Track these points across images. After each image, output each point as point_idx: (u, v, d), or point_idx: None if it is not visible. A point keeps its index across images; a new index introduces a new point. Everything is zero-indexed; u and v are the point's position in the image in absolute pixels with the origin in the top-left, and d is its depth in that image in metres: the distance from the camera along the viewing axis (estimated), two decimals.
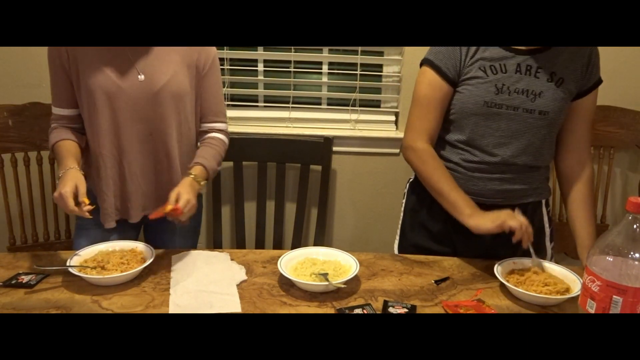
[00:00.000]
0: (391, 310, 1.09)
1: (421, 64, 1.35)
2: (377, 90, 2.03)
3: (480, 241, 1.37)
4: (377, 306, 1.11)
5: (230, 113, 2.00)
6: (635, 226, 0.91)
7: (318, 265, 1.22)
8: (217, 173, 1.49)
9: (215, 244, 1.89)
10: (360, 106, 2.01)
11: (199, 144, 1.49)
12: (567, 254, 1.89)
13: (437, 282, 1.22)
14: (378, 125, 2.03)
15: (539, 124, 1.29)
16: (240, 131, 1.92)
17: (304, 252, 1.28)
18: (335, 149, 1.94)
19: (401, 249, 1.50)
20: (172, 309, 1.07)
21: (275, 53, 1.95)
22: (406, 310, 1.09)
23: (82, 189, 1.17)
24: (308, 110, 2.02)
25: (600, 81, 1.33)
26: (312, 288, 1.15)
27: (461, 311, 1.09)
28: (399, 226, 1.53)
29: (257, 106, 2.03)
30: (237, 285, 1.17)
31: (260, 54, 1.96)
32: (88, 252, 1.24)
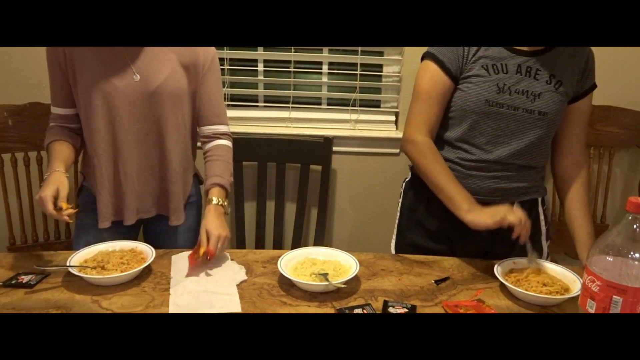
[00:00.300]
0: (391, 310, 1.09)
1: (423, 57, 1.35)
2: (377, 90, 2.03)
3: (477, 239, 1.37)
4: (377, 306, 1.11)
5: (230, 113, 2.00)
6: (635, 226, 0.91)
7: (318, 265, 1.22)
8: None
9: None
10: (360, 106, 2.01)
11: (205, 155, 1.46)
12: (567, 254, 1.89)
13: (437, 282, 1.22)
14: (378, 125, 2.03)
15: (538, 124, 1.30)
16: (240, 131, 1.92)
17: (304, 252, 1.28)
18: (335, 149, 1.94)
19: (398, 248, 1.50)
20: (172, 309, 1.07)
21: (275, 53, 1.95)
22: (406, 310, 1.09)
23: (63, 192, 1.17)
24: (308, 110, 2.02)
25: (594, 86, 1.35)
26: (312, 288, 1.15)
27: (461, 311, 1.09)
28: (396, 225, 1.53)
29: (257, 106, 2.03)
30: (237, 285, 1.17)
31: (260, 54, 1.96)
32: (88, 252, 1.24)
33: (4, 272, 1.21)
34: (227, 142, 1.47)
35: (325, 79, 2.01)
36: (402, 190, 1.53)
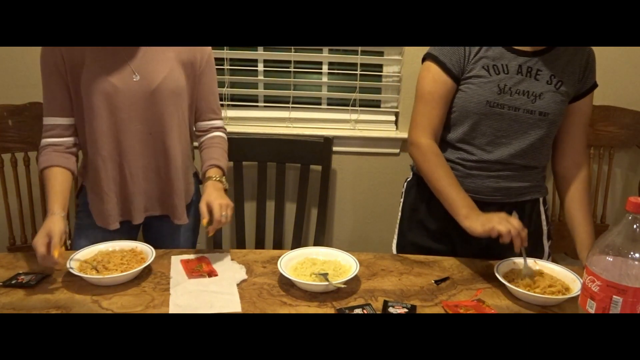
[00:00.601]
0: (391, 310, 1.09)
1: (424, 59, 1.35)
2: (377, 90, 2.03)
3: (478, 239, 1.37)
4: (377, 306, 1.11)
5: (230, 113, 2.00)
6: (635, 226, 0.91)
7: (318, 265, 1.22)
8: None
9: (215, 244, 1.89)
10: (360, 106, 2.01)
11: (201, 145, 1.49)
12: (567, 254, 1.89)
13: (437, 282, 1.22)
14: (378, 125, 2.03)
15: (539, 125, 1.30)
16: (240, 131, 1.92)
17: (304, 252, 1.28)
18: (335, 149, 1.94)
19: (399, 248, 1.50)
20: (172, 309, 1.07)
21: (275, 53, 1.95)
22: (406, 310, 1.09)
23: (56, 239, 1.14)
24: (308, 110, 2.02)
25: (595, 85, 1.35)
26: (312, 288, 1.15)
27: (461, 311, 1.09)
28: (397, 225, 1.53)
29: (257, 106, 2.03)
30: (237, 285, 1.17)
31: (260, 54, 1.96)
32: (88, 252, 1.24)
33: (4, 272, 1.21)
34: (222, 134, 1.51)
35: (325, 79, 2.01)
36: (403, 190, 1.53)
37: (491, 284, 1.21)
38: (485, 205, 1.36)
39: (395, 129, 2.03)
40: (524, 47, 1.28)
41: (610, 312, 0.92)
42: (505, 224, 1.15)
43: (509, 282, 1.18)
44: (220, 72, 1.95)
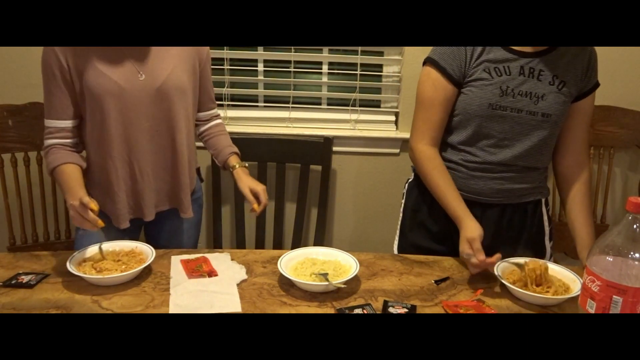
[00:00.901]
0: (391, 310, 1.09)
1: (424, 63, 1.35)
2: (377, 90, 2.03)
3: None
4: (377, 306, 1.11)
5: (230, 113, 2.00)
6: (635, 226, 0.91)
7: (318, 265, 1.22)
8: None
9: (215, 244, 1.89)
10: (360, 106, 2.01)
11: (204, 134, 1.55)
12: (567, 254, 1.89)
13: (437, 282, 1.22)
14: (378, 125, 2.03)
15: (542, 126, 1.29)
16: (240, 131, 1.92)
17: (304, 252, 1.28)
18: (335, 149, 1.94)
19: (401, 249, 1.50)
20: (172, 309, 1.07)
21: (275, 53, 1.95)
22: (406, 310, 1.09)
23: (86, 198, 1.16)
24: (308, 110, 2.02)
25: (597, 84, 1.35)
26: (312, 288, 1.15)
27: (461, 311, 1.09)
28: (398, 226, 1.53)
29: (257, 106, 2.03)
30: (237, 285, 1.17)
31: (260, 54, 1.96)
32: (88, 252, 1.24)
33: (4, 272, 1.21)
34: (221, 120, 1.60)
35: (325, 79, 2.01)
36: (404, 191, 1.53)
37: (491, 284, 1.21)
38: (487, 207, 1.37)
39: (395, 129, 2.03)
40: (525, 48, 1.28)
41: (610, 312, 0.92)
42: (464, 250, 1.22)
43: (514, 277, 1.18)
44: (220, 72, 1.95)
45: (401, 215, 1.53)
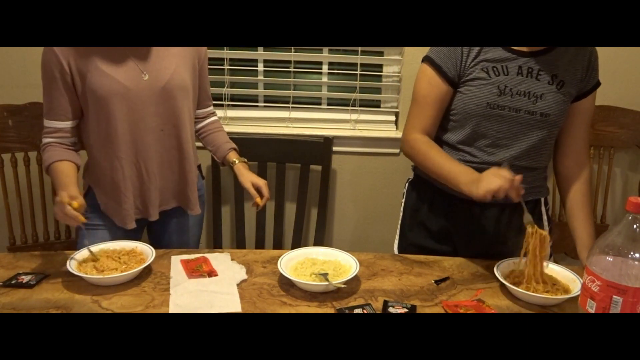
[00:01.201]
0: (391, 310, 1.09)
1: (422, 61, 1.36)
2: (377, 90, 2.03)
3: (480, 240, 1.38)
4: (377, 306, 1.11)
5: (230, 113, 2.00)
6: (635, 226, 0.91)
7: (318, 265, 1.22)
8: None
9: (215, 244, 1.90)
10: (360, 106, 2.01)
11: (201, 130, 1.57)
12: (567, 254, 1.89)
13: (437, 282, 1.22)
14: (378, 125, 2.03)
15: (540, 126, 1.29)
16: (240, 131, 1.92)
17: (304, 252, 1.28)
18: (335, 149, 1.94)
19: (401, 249, 1.50)
20: (172, 309, 1.07)
21: (275, 53, 1.95)
22: (406, 310, 1.09)
23: (82, 209, 1.18)
24: (308, 110, 2.02)
25: (598, 84, 1.34)
26: (312, 288, 1.15)
27: (461, 311, 1.09)
28: (399, 226, 1.53)
29: (257, 106, 2.03)
30: (237, 285, 1.17)
31: (260, 54, 1.96)
32: (88, 252, 1.24)
33: (4, 272, 1.21)
34: (217, 118, 1.62)
35: (325, 79, 2.01)
36: (404, 191, 1.53)
37: (491, 284, 1.21)
38: (486, 207, 1.36)
39: (395, 129, 2.03)
40: (524, 47, 1.27)
41: (610, 312, 0.92)
42: (495, 181, 1.11)
43: (514, 277, 1.18)
44: (220, 72, 1.95)
45: (401, 215, 1.53)
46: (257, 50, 1.95)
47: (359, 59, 1.94)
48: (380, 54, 1.98)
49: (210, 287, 1.16)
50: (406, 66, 1.93)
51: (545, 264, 1.19)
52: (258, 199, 1.41)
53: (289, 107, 2.00)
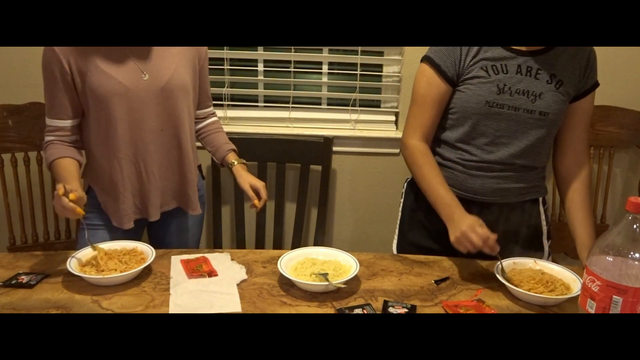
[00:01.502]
0: (391, 310, 1.09)
1: (421, 61, 1.36)
2: (377, 90, 2.03)
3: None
4: (377, 306, 1.11)
5: (230, 113, 2.00)
6: (635, 226, 0.91)
7: (318, 265, 1.22)
8: None
9: (215, 244, 1.90)
10: (360, 106, 2.01)
11: (201, 131, 1.57)
12: (567, 254, 1.89)
13: (437, 282, 1.22)
14: (378, 125, 2.03)
15: (539, 124, 1.29)
16: (240, 131, 1.92)
17: (304, 252, 1.28)
18: (335, 149, 1.94)
19: (400, 248, 1.50)
20: (172, 309, 1.07)
21: (275, 53, 1.95)
22: (406, 310, 1.09)
23: (81, 203, 1.17)
24: (308, 110, 2.02)
25: (597, 84, 1.35)
26: (312, 288, 1.15)
27: (461, 311, 1.09)
28: (397, 225, 1.53)
29: (257, 106, 2.03)
30: (237, 285, 1.17)
31: (260, 54, 1.96)
32: (89, 252, 1.24)
33: (4, 272, 1.21)
34: (217, 118, 1.62)
35: (325, 79, 2.01)
36: (403, 190, 1.54)
37: (491, 284, 1.21)
38: (485, 206, 1.36)
39: (395, 129, 2.03)
40: (523, 47, 1.28)
41: (610, 312, 0.92)
42: (470, 238, 1.16)
43: (518, 277, 1.18)
44: (220, 72, 1.95)
45: (400, 214, 1.53)
46: (257, 50, 1.96)
47: (359, 59, 1.94)
48: (380, 54, 1.98)
49: (210, 287, 1.16)
50: (406, 66, 1.93)
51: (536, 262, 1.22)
52: (256, 201, 1.41)
53: (289, 107, 2.00)
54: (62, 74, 1.27)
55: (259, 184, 1.43)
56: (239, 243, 1.90)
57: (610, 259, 0.92)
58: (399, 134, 1.98)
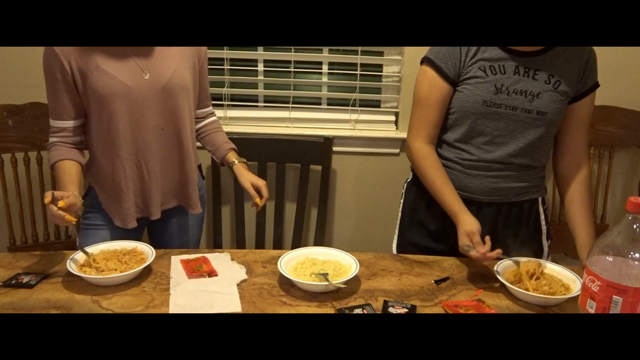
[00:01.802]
0: (391, 310, 1.09)
1: (421, 62, 1.36)
2: (377, 90, 2.03)
3: None
4: (377, 306, 1.11)
5: (230, 113, 2.00)
6: (635, 226, 0.91)
7: (318, 265, 1.22)
8: None
9: (215, 244, 1.90)
10: (360, 106, 2.01)
11: (201, 130, 1.57)
12: (567, 254, 1.89)
13: (437, 282, 1.22)
14: (378, 125, 2.03)
15: (537, 124, 1.30)
16: (240, 131, 1.92)
17: (304, 252, 1.28)
18: (335, 149, 1.94)
19: (399, 248, 1.51)
20: (172, 309, 1.07)
21: (275, 53, 1.95)
22: (406, 310, 1.09)
23: (74, 208, 1.18)
24: (308, 110, 2.02)
25: (597, 85, 1.34)
26: (312, 288, 1.15)
27: (461, 311, 1.09)
28: (397, 225, 1.53)
29: (257, 106, 2.03)
30: (237, 285, 1.17)
31: (260, 54, 1.96)
32: (89, 252, 1.24)
33: (4, 272, 1.21)
34: (217, 118, 1.62)
35: (325, 79, 2.01)
36: (403, 190, 1.54)
37: (491, 284, 1.21)
38: (483, 206, 1.37)
39: (395, 129, 2.03)
40: (521, 47, 1.28)
41: (610, 312, 0.92)
42: (469, 251, 1.21)
43: (514, 277, 1.18)
44: (220, 72, 1.95)
45: (400, 214, 1.53)
46: (257, 50, 1.96)
47: (359, 59, 1.94)
48: (380, 54, 1.98)
49: (210, 287, 1.16)
50: (406, 66, 1.93)
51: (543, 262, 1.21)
52: (257, 200, 1.42)
53: (289, 107, 2.00)
54: (62, 74, 1.27)
55: (260, 183, 1.44)
56: (239, 243, 1.90)
57: (610, 259, 0.92)
58: (399, 134, 1.98)
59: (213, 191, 1.87)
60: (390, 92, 2.03)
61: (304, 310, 1.09)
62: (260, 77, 1.99)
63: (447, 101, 1.34)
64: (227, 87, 1.97)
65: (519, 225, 1.41)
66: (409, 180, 1.53)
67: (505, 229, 1.39)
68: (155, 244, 1.43)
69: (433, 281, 1.23)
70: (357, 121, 2.01)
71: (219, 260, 1.29)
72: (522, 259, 1.23)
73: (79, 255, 1.22)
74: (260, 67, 1.98)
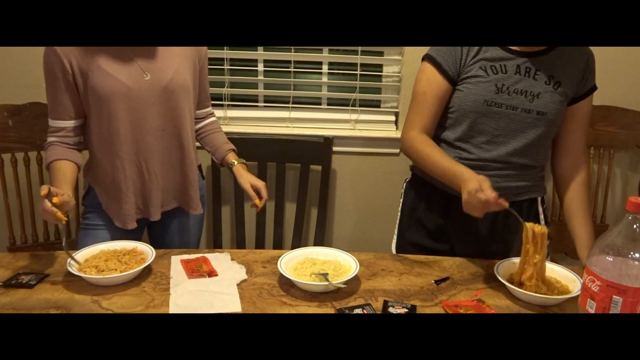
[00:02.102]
0: (391, 310, 1.09)
1: (422, 60, 1.36)
2: (377, 90, 2.03)
3: (476, 238, 1.38)
4: (377, 306, 1.11)
5: (230, 113, 2.00)
6: (635, 226, 0.91)
7: (318, 265, 1.22)
8: None
9: (215, 244, 1.90)
10: (360, 106, 2.01)
11: (201, 131, 1.57)
12: (567, 254, 1.89)
13: (437, 282, 1.22)
14: (378, 125, 2.03)
15: (537, 124, 1.30)
16: (240, 131, 1.92)
17: (304, 252, 1.28)
18: (335, 149, 1.94)
19: (398, 248, 1.51)
20: (172, 309, 1.07)
21: (275, 53, 1.95)
22: (406, 310, 1.09)
23: (66, 207, 1.17)
24: (308, 110, 2.02)
25: (595, 88, 1.35)
26: (312, 288, 1.15)
27: (461, 311, 1.09)
28: (396, 225, 1.53)
29: (257, 106, 2.03)
30: (237, 285, 1.17)
31: (260, 54, 1.96)
32: (89, 252, 1.24)
33: (4, 272, 1.21)
34: (216, 118, 1.63)
35: (325, 79, 2.01)
36: (402, 190, 1.54)
37: (491, 284, 1.21)
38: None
39: (395, 129, 2.03)
40: (522, 47, 1.28)
41: (610, 312, 0.92)
42: (474, 205, 1.13)
43: (509, 282, 1.18)
44: (220, 72, 1.95)
45: (399, 214, 1.53)
46: (257, 50, 1.96)
47: (359, 59, 1.94)
48: (380, 54, 1.98)
49: (210, 287, 1.16)
50: (406, 66, 1.93)
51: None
52: (257, 200, 1.42)
53: (289, 107, 2.00)
54: (63, 74, 1.27)
55: (260, 184, 1.44)
56: (239, 243, 1.90)
57: (610, 259, 0.92)
58: (399, 134, 1.96)
59: (213, 191, 1.87)
60: (390, 92, 2.03)
61: (304, 310, 1.09)
62: (260, 77, 1.99)
63: (445, 98, 1.34)
64: (227, 87, 1.97)
65: (519, 225, 1.41)
66: (408, 179, 1.53)
67: (504, 229, 1.39)
68: (155, 245, 1.42)
69: (433, 281, 1.23)
70: (357, 121, 2.01)
71: (219, 260, 1.29)
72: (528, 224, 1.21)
73: (79, 256, 1.22)
74: (260, 67, 1.98)
